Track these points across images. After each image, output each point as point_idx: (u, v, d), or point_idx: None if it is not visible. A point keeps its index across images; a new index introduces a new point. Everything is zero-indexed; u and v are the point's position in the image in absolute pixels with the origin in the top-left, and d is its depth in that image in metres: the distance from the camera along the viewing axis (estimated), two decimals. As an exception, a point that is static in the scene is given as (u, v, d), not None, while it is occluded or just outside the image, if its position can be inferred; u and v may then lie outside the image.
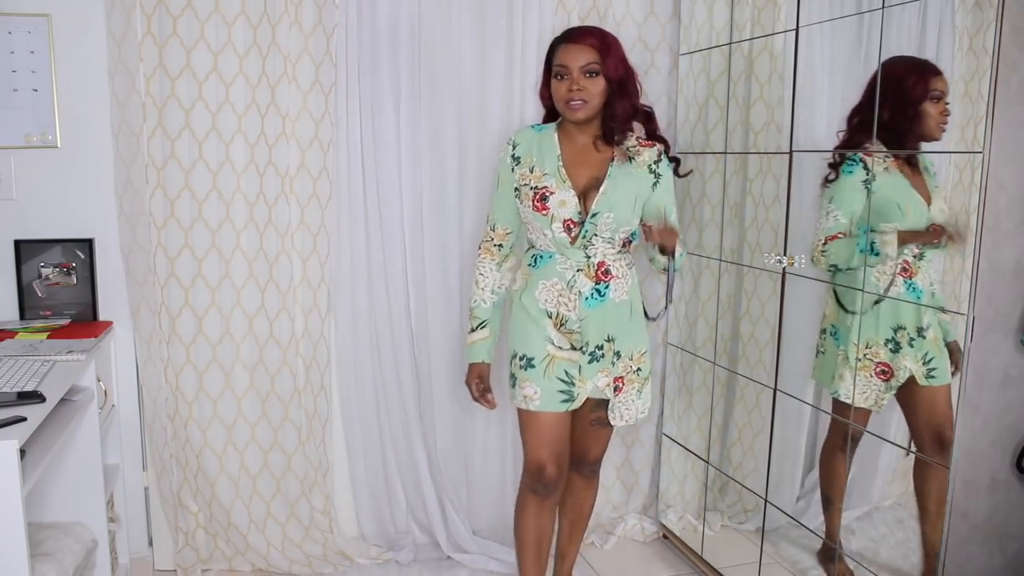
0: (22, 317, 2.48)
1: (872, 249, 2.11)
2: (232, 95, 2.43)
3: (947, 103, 1.96)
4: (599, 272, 2.10)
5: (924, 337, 2.10)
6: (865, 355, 2.17)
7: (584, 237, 2.08)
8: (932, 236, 2.07)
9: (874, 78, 2.05)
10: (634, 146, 2.12)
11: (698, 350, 2.75)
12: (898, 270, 2.09)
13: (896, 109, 2.01)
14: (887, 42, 1.98)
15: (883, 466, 2.28)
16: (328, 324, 2.67)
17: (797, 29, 2.21)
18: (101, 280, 2.53)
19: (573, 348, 2.13)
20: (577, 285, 2.10)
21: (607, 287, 2.11)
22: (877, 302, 2.14)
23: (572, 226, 2.08)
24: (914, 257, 2.08)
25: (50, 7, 2.39)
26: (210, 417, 2.57)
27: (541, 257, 2.15)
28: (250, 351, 2.57)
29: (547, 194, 2.08)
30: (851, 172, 2.14)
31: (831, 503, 2.33)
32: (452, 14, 2.55)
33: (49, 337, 2.32)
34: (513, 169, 2.15)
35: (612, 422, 2.19)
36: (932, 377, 2.10)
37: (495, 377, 2.30)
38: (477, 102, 2.61)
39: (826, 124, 2.31)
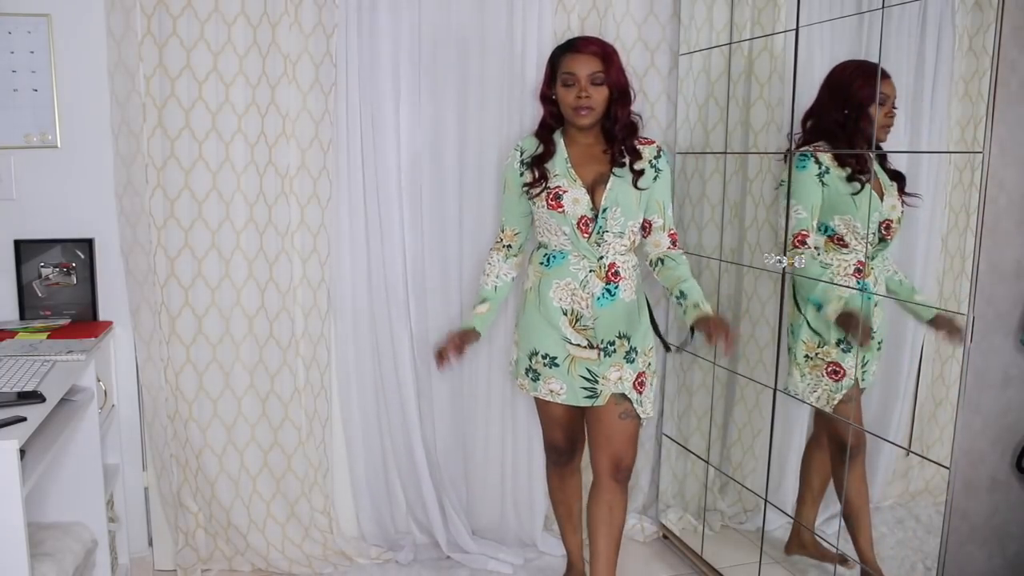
0: (22, 317, 2.48)
1: (819, 308, 2.22)
2: (232, 95, 2.43)
3: (894, 107, 2.04)
4: (609, 273, 2.20)
5: (873, 338, 2.17)
6: (817, 354, 2.25)
7: (598, 233, 2.16)
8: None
9: (825, 82, 2.16)
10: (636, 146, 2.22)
11: (698, 350, 2.74)
12: (851, 271, 2.16)
13: (843, 112, 2.11)
14: (887, 42, 1.98)
15: (882, 467, 2.28)
16: (328, 324, 2.67)
17: (797, 29, 2.21)
18: (101, 280, 2.53)
19: (590, 346, 2.21)
20: (589, 286, 2.19)
21: (617, 287, 2.20)
22: (819, 308, 2.23)
23: (588, 222, 2.17)
24: (868, 258, 2.14)
25: (50, 7, 2.39)
26: (210, 417, 2.57)
27: (554, 257, 2.23)
28: (250, 351, 2.57)
29: (560, 192, 2.17)
30: (804, 167, 2.21)
31: (802, 498, 2.45)
32: (452, 14, 2.55)
33: (49, 337, 2.32)
34: (522, 174, 2.24)
35: (643, 414, 2.25)
36: (863, 379, 2.21)
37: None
38: (477, 102, 2.60)
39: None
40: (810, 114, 2.23)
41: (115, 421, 2.57)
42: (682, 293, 2.20)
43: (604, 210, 2.16)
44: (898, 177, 2.10)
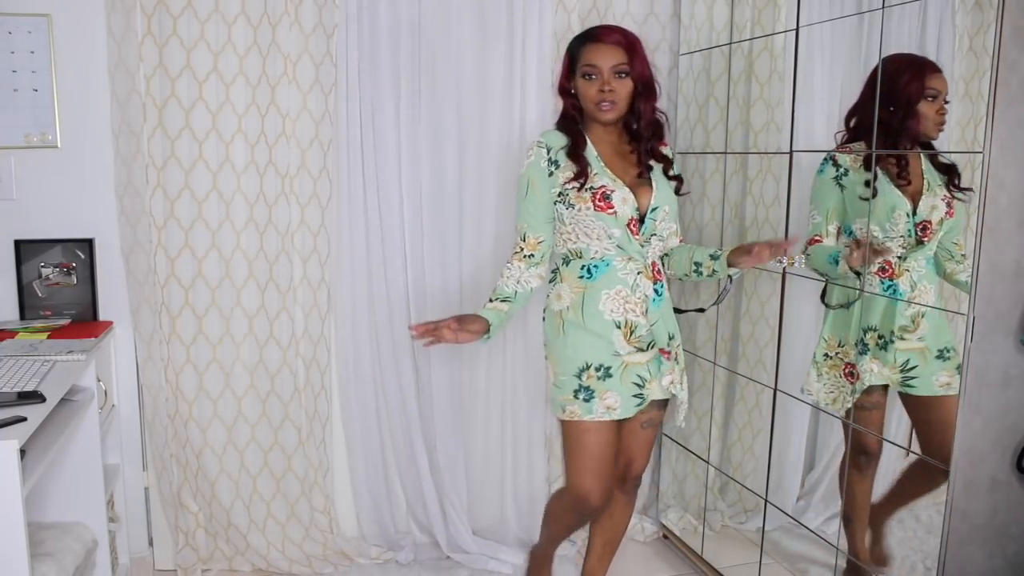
0: (22, 317, 2.48)
1: (836, 262, 2.12)
2: (232, 95, 2.43)
3: (946, 102, 1.94)
4: (655, 272, 2.10)
5: (894, 341, 2.07)
6: (836, 354, 2.19)
7: (643, 235, 2.05)
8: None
9: (871, 76, 2.04)
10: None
11: (698, 350, 2.75)
12: (875, 270, 2.08)
13: (887, 109, 2.00)
14: (887, 42, 1.98)
15: (883, 466, 2.28)
16: (328, 324, 2.67)
17: (797, 29, 2.21)
18: (101, 280, 2.54)
19: (640, 350, 2.08)
20: (641, 288, 2.06)
21: (662, 286, 2.11)
22: (850, 304, 2.14)
23: (635, 224, 2.04)
24: (897, 258, 2.06)
25: (50, 7, 2.39)
26: (210, 417, 2.57)
27: (596, 267, 2.06)
28: (250, 351, 2.57)
29: (608, 192, 2.01)
30: (822, 172, 2.17)
31: (851, 522, 2.27)
32: (452, 14, 2.55)
33: (49, 337, 2.32)
34: (551, 173, 2.05)
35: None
36: (909, 386, 2.08)
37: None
38: (477, 102, 2.60)
39: (826, 124, 2.31)
40: (854, 111, 2.12)
41: (115, 421, 2.57)
42: (696, 264, 2.11)
43: (654, 210, 2.04)
44: (949, 171, 1.98)
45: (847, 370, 2.18)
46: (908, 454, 2.14)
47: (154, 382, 2.53)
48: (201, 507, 2.64)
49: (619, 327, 2.05)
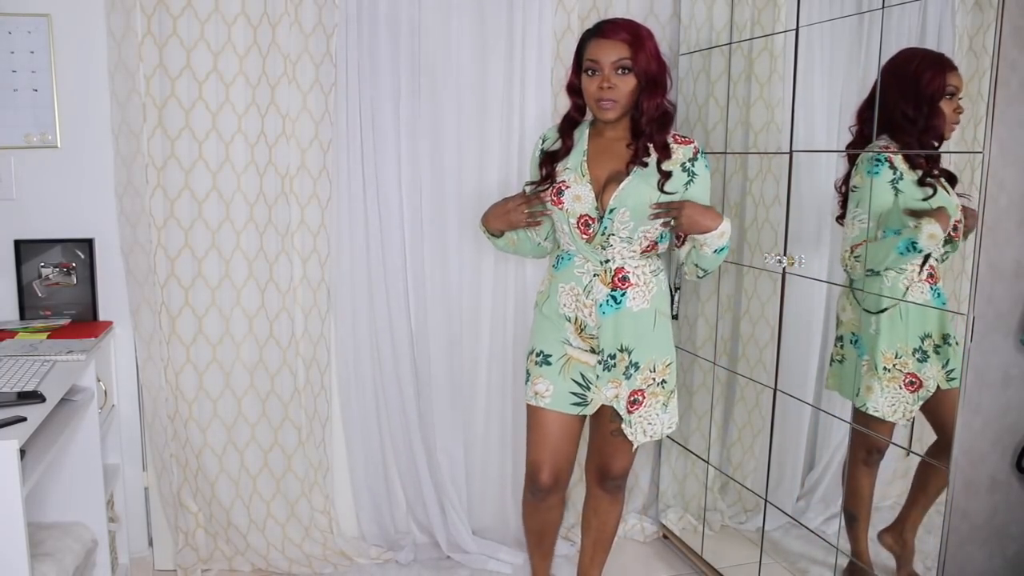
0: (22, 317, 2.48)
1: (914, 247, 2.01)
2: (232, 95, 2.43)
3: (960, 98, 1.91)
4: (616, 279, 2.04)
5: (950, 344, 2.00)
6: (895, 366, 2.09)
7: (602, 235, 2.01)
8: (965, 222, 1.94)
9: (886, 71, 1.99)
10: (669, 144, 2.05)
11: (698, 350, 2.75)
12: (924, 276, 2.03)
13: (911, 105, 1.96)
14: (887, 42, 1.98)
15: (883, 467, 2.28)
16: (328, 324, 2.67)
17: (797, 29, 2.21)
18: (101, 280, 2.54)
19: (593, 352, 2.09)
20: (593, 292, 2.05)
21: (623, 295, 2.04)
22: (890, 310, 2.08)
23: (590, 222, 2.02)
24: (937, 260, 2.01)
25: (50, 7, 2.39)
26: (210, 417, 2.57)
27: (563, 259, 2.11)
28: (250, 351, 2.57)
29: (563, 188, 2.04)
30: (877, 172, 2.06)
31: (856, 520, 2.24)
32: (452, 14, 2.55)
33: (49, 337, 2.32)
34: (540, 164, 2.14)
35: (631, 438, 2.12)
36: (952, 380, 1.99)
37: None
38: (477, 102, 2.60)
39: (826, 124, 2.31)
40: (868, 105, 2.05)
41: (115, 421, 2.57)
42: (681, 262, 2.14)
43: (611, 211, 1.98)
44: (951, 178, 1.96)
45: (907, 380, 2.09)
46: (908, 454, 2.14)
47: (154, 382, 2.53)
48: (201, 507, 2.64)
49: (569, 321, 2.10)
